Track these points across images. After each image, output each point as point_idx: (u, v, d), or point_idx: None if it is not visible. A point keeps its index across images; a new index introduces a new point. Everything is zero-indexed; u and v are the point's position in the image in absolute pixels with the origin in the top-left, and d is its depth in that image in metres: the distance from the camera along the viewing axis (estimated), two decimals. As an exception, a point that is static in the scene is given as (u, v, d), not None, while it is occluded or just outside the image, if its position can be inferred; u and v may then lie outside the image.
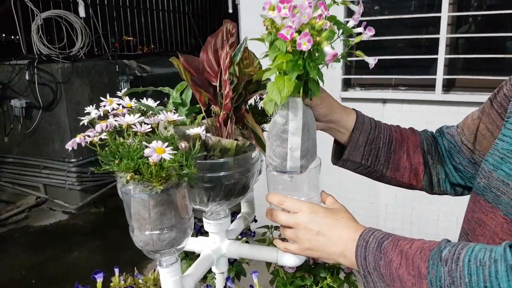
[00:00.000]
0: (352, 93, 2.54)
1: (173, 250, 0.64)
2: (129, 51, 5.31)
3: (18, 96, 3.90)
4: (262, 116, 0.91)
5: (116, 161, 0.56)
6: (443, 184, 0.79)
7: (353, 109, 0.78)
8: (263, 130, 0.92)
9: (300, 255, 0.70)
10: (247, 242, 0.96)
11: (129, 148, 0.57)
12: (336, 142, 0.80)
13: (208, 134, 0.67)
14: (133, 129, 0.58)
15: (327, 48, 0.58)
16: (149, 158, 0.54)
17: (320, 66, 0.62)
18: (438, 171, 0.79)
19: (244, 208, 0.96)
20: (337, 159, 0.79)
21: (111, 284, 0.77)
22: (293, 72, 0.58)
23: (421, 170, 0.78)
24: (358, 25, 0.68)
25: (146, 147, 0.54)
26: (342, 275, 0.83)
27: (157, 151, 0.54)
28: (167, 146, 0.55)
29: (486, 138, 0.70)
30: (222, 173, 0.69)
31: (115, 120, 0.59)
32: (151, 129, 0.59)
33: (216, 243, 0.81)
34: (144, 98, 0.77)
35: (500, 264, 0.46)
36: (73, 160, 3.89)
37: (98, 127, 0.58)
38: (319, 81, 0.64)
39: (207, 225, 0.80)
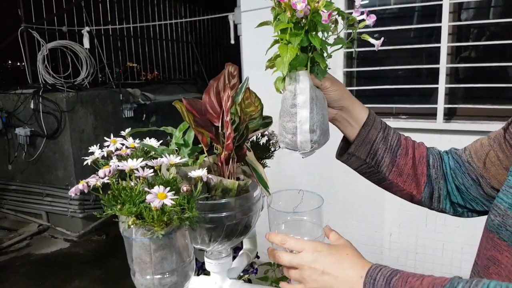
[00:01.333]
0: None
1: (175, 294, 0.64)
2: (133, 79, 5.40)
3: (23, 125, 3.94)
4: (263, 152, 0.92)
5: (119, 206, 0.57)
6: (443, 200, 0.80)
7: (366, 106, 0.80)
8: (264, 166, 0.92)
9: None
10: (249, 280, 0.95)
11: (131, 192, 0.57)
12: (344, 139, 0.81)
13: (210, 176, 0.67)
14: (135, 174, 0.58)
15: (322, 12, 0.62)
16: (151, 203, 0.54)
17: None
18: (440, 187, 0.79)
19: (246, 245, 0.95)
20: (342, 154, 0.80)
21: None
22: (295, 39, 0.62)
23: (423, 181, 0.78)
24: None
25: (148, 193, 0.54)
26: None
27: (159, 197, 0.54)
28: (169, 191, 0.56)
29: (495, 165, 0.72)
30: (224, 214, 0.69)
31: (118, 166, 0.59)
32: (153, 174, 0.59)
33: (218, 283, 0.80)
34: (147, 137, 0.78)
35: None
36: (75, 187, 3.88)
37: (101, 173, 0.58)
38: (325, 59, 0.68)
39: (209, 264, 0.79)
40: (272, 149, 0.94)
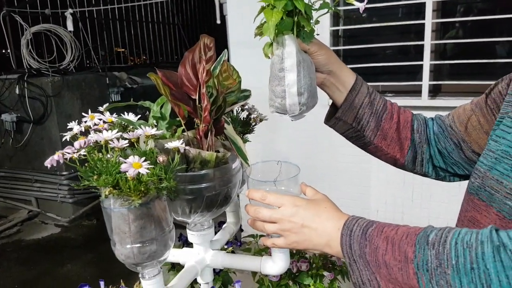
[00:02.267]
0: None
1: (155, 263, 0.65)
2: (120, 63, 5.32)
3: (9, 111, 3.88)
4: (243, 127, 0.92)
5: (95, 177, 0.57)
6: (426, 164, 0.82)
7: (353, 72, 0.81)
8: (245, 141, 0.93)
9: (288, 248, 0.71)
10: (233, 252, 0.97)
11: (107, 163, 0.58)
12: (332, 105, 0.84)
13: (187, 148, 0.68)
14: (110, 145, 0.59)
15: None
16: (126, 173, 0.55)
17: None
18: (423, 151, 0.81)
19: (229, 218, 0.97)
20: (329, 118, 0.82)
21: (97, 298, 0.78)
22: (279, 3, 0.64)
23: (407, 145, 0.81)
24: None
25: (123, 163, 0.55)
26: (326, 281, 0.84)
27: (134, 166, 0.55)
28: (144, 161, 0.57)
29: (476, 130, 0.74)
30: (203, 185, 0.70)
31: (92, 137, 0.59)
32: (128, 145, 0.60)
33: (200, 254, 0.82)
34: (128, 112, 0.79)
35: (486, 246, 0.47)
36: (64, 173, 3.87)
37: (76, 144, 0.59)
38: (310, 24, 0.69)
39: (191, 236, 0.81)
40: (253, 123, 0.94)
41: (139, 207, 0.60)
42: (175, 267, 0.98)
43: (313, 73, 0.74)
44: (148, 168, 0.58)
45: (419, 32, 2.35)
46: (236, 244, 1.00)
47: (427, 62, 2.27)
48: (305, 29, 0.71)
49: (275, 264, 0.76)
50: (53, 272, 3.06)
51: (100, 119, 0.75)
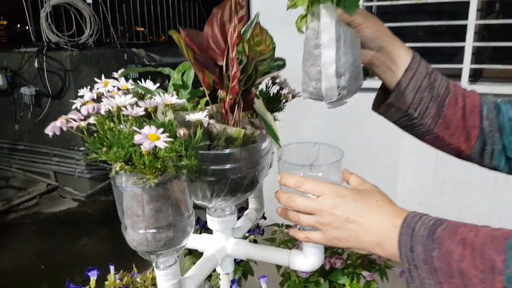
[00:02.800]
0: (368, 82, 2.41)
1: (171, 251, 0.57)
2: (138, 40, 5.23)
3: (28, 84, 3.86)
4: (275, 103, 0.82)
5: (104, 149, 0.49)
6: (497, 156, 0.69)
7: (410, 48, 0.68)
8: (275, 119, 0.83)
9: (325, 245, 0.61)
10: (255, 241, 0.88)
11: (119, 134, 0.49)
12: (381, 87, 0.71)
13: (212, 121, 0.59)
14: (123, 112, 0.50)
15: None
16: (140, 146, 0.46)
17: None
18: (495, 141, 0.68)
19: (252, 204, 0.88)
20: (379, 105, 0.69)
21: (106, 283, 0.70)
22: None
23: (475, 135, 0.67)
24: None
25: (137, 133, 0.46)
26: (362, 281, 0.74)
27: (150, 138, 0.46)
28: (162, 133, 0.48)
29: None
30: (227, 166, 0.61)
31: (103, 103, 0.51)
32: (144, 113, 0.51)
33: (221, 242, 0.74)
34: (145, 80, 0.69)
35: None
36: (82, 148, 3.85)
37: (83, 110, 0.50)
38: None
39: (211, 222, 0.72)
40: (284, 100, 0.84)
41: (154, 187, 0.51)
42: (192, 253, 0.90)
43: (358, 50, 0.63)
44: (166, 142, 0.49)
45: (457, 12, 2.18)
46: (258, 232, 0.92)
47: (469, 44, 2.10)
48: None
49: (307, 260, 0.67)
50: (69, 246, 3.06)
51: (115, 86, 0.66)
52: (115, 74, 0.73)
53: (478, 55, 2.21)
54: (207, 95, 0.63)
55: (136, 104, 0.53)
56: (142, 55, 4.29)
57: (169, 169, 0.50)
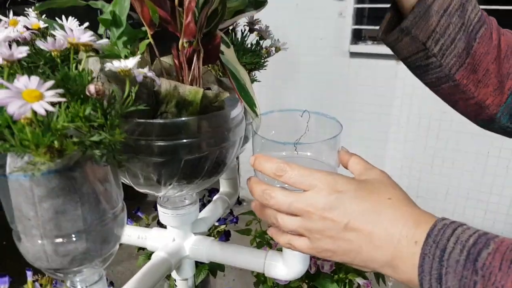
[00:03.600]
0: (362, 47, 2.23)
1: (89, 266, 0.39)
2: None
3: None
4: (252, 58, 0.63)
5: (-43, 114, 0.29)
6: None
7: None
8: (252, 80, 0.64)
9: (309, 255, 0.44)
10: (227, 231, 0.71)
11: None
12: (393, 6, 0.51)
13: (150, 74, 0.39)
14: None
15: None
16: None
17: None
18: None
19: (223, 187, 0.70)
20: (389, 31, 0.51)
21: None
22: None
23: (509, 87, 0.50)
24: None
25: (4, 87, 0.27)
26: (356, 289, 0.58)
27: (25, 97, 0.27)
28: (50, 89, 0.28)
29: None
30: (179, 141, 0.42)
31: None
32: (25, 55, 0.31)
33: (177, 240, 0.56)
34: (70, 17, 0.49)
35: None
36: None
37: None
38: None
39: (163, 215, 0.54)
40: (265, 55, 0.65)
41: (52, 176, 0.32)
42: (145, 249, 0.72)
43: None
44: (61, 104, 0.29)
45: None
46: (231, 221, 0.74)
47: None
48: None
49: (286, 267, 0.50)
50: None
51: (25, 26, 0.46)
52: (30, 10, 0.53)
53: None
54: (149, 35, 0.43)
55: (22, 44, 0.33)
56: None
57: (68, 148, 0.30)
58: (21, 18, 0.47)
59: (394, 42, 0.51)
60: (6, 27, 0.43)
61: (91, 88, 0.31)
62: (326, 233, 0.36)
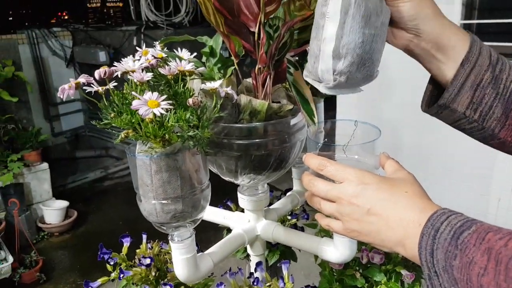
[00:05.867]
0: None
1: (184, 224, 0.55)
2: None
3: (128, 61, 4.20)
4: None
5: (112, 114, 0.48)
6: None
7: (467, 31, 0.53)
8: (320, 97, 0.76)
9: (350, 238, 0.54)
10: (295, 225, 0.83)
11: (125, 100, 0.48)
12: (432, 80, 0.56)
13: (230, 91, 0.54)
14: (130, 77, 0.48)
15: None
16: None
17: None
18: None
19: (295, 186, 0.83)
20: (430, 104, 0.56)
21: (137, 251, 0.72)
22: None
23: None
24: None
25: (135, 98, 0.44)
26: (406, 282, 0.65)
27: (149, 105, 0.44)
28: (165, 100, 0.45)
29: None
30: (249, 141, 0.57)
31: (114, 66, 0.50)
32: (150, 77, 0.49)
33: (251, 222, 0.70)
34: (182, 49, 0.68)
35: None
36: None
37: (96, 74, 0.49)
38: None
39: (241, 200, 0.69)
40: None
41: (163, 158, 0.49)
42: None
43: (378, 29, 0.47)
44: (171, 110, 0.46)
45: None
46: (303, 217, 0.86)
47: None
48: None
49: (337, 251, 0.60)
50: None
51: (153, 56, 0.65)
52: (156, 44, 0.72)
53: None
54: (235, 63, 0.59)
55: (149, 69, 0.51)
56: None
57: (173, 139, 0.47)
58: (150, 49, 0.66)
59: (435, 114, 0.56)
60: (140, 56, 0.63)
61: (190, 100, 0.48)
62: (353, 216, 0.47)
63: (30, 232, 2.70)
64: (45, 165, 2.96)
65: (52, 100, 4.25)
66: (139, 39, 3.98)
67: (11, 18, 5.49)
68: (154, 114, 0.44)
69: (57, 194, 3.14)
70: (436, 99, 0.55)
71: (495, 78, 0.52)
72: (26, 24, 4.57)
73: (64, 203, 2.96)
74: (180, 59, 0.59)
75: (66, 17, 5.64)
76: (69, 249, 2.77)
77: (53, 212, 2.87)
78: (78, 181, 3.80)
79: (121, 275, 0.65)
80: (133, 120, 0.47)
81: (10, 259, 2.26)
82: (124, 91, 0.50)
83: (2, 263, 2.22)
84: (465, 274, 0.36)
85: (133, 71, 0.49)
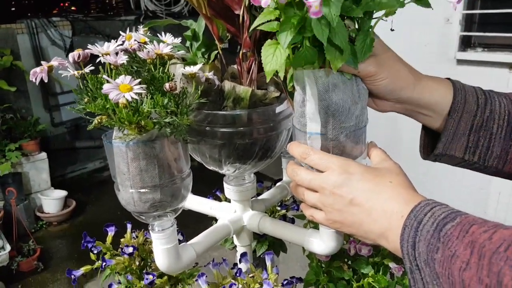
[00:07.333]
0: (471, 55, 2.09)
1: (163, 214, 0.53)
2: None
3: (127, 50, 4.17)
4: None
5: (86, 99, 0.46)
6: None
7: (447, 79, 0.53)
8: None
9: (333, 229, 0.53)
10: (284, 216, 0.82)
11: (101, 84, 0.46)
12: (424, 128, 0.56)
13: (211, 76, 0.52)
14: (103, 60, 0.46)
15: None
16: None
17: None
18: None
19: (286, 176, 0.81)
20: (428, 153, 0.55)
21: (122, 240, 0.71)
22: (286, 34, 0.38)
23: None
24: None
25: (107, 82, 0.42)
26: (395, 274, 0.63)
27: (121, 89, 0.42)
28: (137, 84, 0.43)
29: None
30: (233, 129, 0.55)
31: (90, 50, 0.48)
32: (125, 61, 0.47)
33: (237, 213, 0.69)
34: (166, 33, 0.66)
35: None
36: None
37: (70, 57, 0.47)
38: (368, 33, 0.43)
39: (227, 190, 0.67)
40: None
41: (139, 145, 0.48)
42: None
43: (356, 118, 0.47)
44: (147, 96, 0.44)
45: None
46: (292, 207, 0.84)
47: None
48: (355, 43, 0.43)
49: (323, 242, 0.59)
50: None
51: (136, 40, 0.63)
52: (140, 28, 0.70)
53: None
54: (219, 47, 0.57)
55: (133, 54, 0.49)
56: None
57: (148, 125, 0.45)
58: (133, 33, 0.64)
59: (435, 161, 0.55)
60: (123, 41, 0.61)
61: (167, 85, 0.46)
62: (335, 206, 0.45)
63: (28, 221, 2.71)
64: (43, 154, 2.95)
65: (52, 90, 4.24)
66: (137, 29, 3.94)
67: (13, 9, 5.45)
68: (127, 99, 0.42)
69: (56, 184, 3.13)
70: (432, 145, 0.54)
71: (486, 121, 0.51)
72: (29, 14, 4.53)
73: (62, 193, 2.96)
74: (162, 43, 0.57)
75: (70, 8, 5.61)
76: (67, 238, 2.77)
77: (51, 201, 2.87)
78: (77, 171, 3.80)
79: (104, 264, 0.64)
80: (107, 106, 0.45)
81: (8, 247, 2.26)
82: (99, 75, 0.48)
83: (0, 252, 2.22)
84: (446, 268, 0.34)
85: (107, 54, 0.47)
